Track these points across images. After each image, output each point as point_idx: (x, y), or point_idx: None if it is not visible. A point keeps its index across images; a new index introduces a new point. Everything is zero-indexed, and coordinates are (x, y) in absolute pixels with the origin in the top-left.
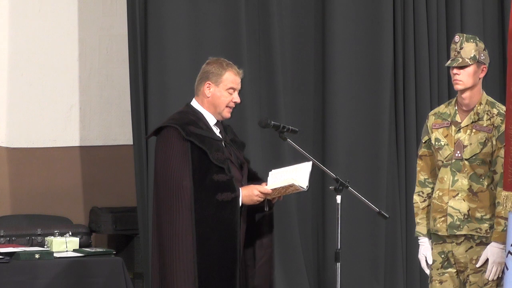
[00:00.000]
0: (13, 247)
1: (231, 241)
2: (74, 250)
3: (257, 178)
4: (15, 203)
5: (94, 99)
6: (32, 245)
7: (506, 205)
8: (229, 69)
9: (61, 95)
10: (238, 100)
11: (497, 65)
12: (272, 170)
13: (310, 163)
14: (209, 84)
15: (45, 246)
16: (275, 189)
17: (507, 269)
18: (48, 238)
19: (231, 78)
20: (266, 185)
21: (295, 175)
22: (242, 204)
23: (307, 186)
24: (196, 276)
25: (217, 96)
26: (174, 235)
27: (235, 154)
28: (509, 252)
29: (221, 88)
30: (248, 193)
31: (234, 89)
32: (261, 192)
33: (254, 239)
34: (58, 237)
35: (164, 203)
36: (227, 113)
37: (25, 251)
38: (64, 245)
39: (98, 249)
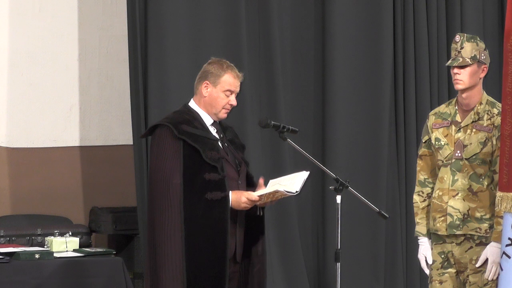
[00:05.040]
0: (13, 247)
1: (220, 240)
2: (74, 250)
3: (252, 184)
4: (15, 203)
5: (94, 99)
6: (32, 245)
7: (500, 206)
8: (228, 71)
9: (61, 95)
10: (234, 103)
11: (497, 65)
12: (271, 180)
13: (308, 172)
14: (207, 84)
15: (45, 246)
16: (262, 195)
17: (502, 270)
18: (48, 238)
19: (229, 80)
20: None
21: (288, 182)
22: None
23: (296, 191)
24: (185, 275)
25: (214, 97)
26: (164, 234)
27: (232, 154)
28: (504, 253)
29: (218, 89)
30: (237, 199)
31: (231, 92)
32: (249, 199)
33: (249, 245)
34: (58, 237)
35: (155, 202)
36: (223, 114)
37: (25, 251)
38: (64, 245)
39: (98, 249)
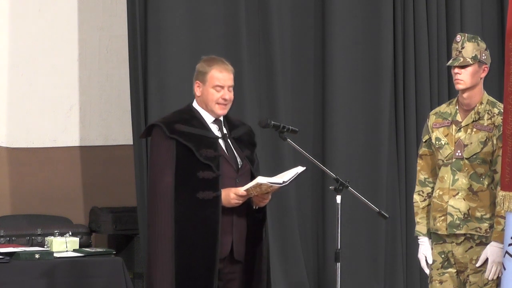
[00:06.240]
0: (13, 247)
1: (210, 240)
2: (74, 250)
3: None
4: (15, 203)
5: (94, 99)
6: (32, 245)
7: (503, 205)
8: (214, 67)
9: (61, 95)
10: (227, 96)
11: (497, 65)
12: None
13: (304, 168)
14: (198, 83)
15: (45, 246)
16: (248, 189)
17: (505, 269)
18: (48, 238)
19: (216, 75)
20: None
21: (277, 179)
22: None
23: (284, 181)
24: (174, 275)
25: (205, 94)
26: (155, 233)
27: (232, 152)
28: (506, 252)
29: (207, 86)
30: (226, 196)
31: (221, 86)
32: (236, 195)
33: (252, 245)
34: (58, 237)
35: (149, 203)
36: (219, 110)
37: (25, 251)
38: (64, 245)
39: (98, 249)
